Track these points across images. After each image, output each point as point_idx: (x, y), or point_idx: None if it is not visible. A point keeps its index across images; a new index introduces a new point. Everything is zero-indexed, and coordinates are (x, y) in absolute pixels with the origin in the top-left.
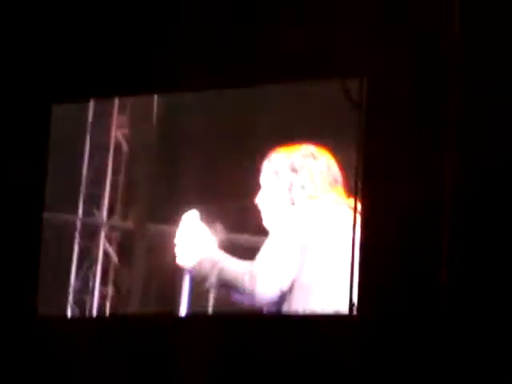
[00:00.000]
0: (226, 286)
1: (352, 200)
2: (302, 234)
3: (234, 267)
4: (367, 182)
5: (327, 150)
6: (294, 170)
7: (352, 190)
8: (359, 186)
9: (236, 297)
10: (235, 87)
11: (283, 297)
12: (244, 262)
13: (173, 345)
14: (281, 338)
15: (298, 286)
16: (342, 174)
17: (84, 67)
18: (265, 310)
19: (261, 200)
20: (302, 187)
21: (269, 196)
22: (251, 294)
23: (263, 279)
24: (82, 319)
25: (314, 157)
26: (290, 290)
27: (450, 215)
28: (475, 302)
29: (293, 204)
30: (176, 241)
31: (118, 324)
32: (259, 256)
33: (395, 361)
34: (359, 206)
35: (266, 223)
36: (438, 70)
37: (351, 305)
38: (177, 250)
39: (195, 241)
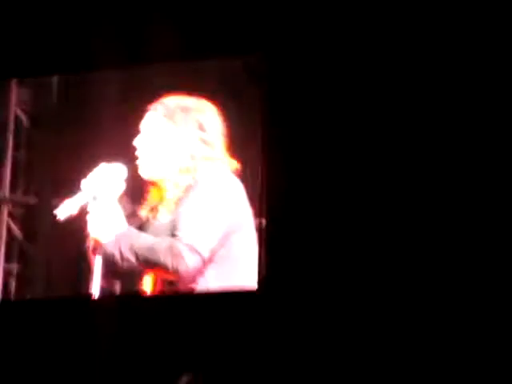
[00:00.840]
0: (144, 264)
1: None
2: (227, 198)
3: (151, 244)
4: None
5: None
6: (193, 121)
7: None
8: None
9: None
10: (135, 64)
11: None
12: (159, 238)
13: (82, 328)
14: (191, 316)
15: (217, 258)
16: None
17: None
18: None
19: (143, 145)
20: (203, 141)
21: (155, 141)
22: (174, 272)
23: (188, 256)
24: None
25: (206, 105)
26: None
27: None
28: None
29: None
30: (88, 215)
31: (25, 308)
32: (181, 227)
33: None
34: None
35: (146, 172)
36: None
37: (260, 280)
38: (90, 221)
39: (108, 215)
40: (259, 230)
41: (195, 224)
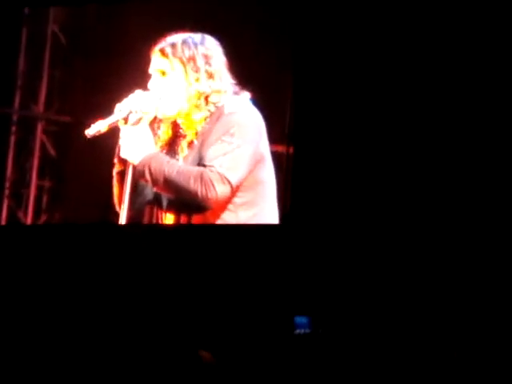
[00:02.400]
0: (172, 188)
1: None
2: (252, 128)
3: (181, 170)
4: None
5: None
6: (200, 55)
7: None
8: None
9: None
10: None
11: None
12: (188, 166)
13: (110, 254)
14: (212, 248)
15: (243, 187)
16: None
17: None
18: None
19: (157, 86)
20: (211, 75)
21: (166, 80)
22: (203, 199)
23: (218, 185)
24: (19, 226)
25: (212, 43)
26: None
27: None
28: None
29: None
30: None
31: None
32: (210, 157)
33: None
34: None
35: (161, 111)
36: None
37: (283, 215)
38: (122, 145)
39: (138, 138)
40: (286, 158)
41: (224, 154)
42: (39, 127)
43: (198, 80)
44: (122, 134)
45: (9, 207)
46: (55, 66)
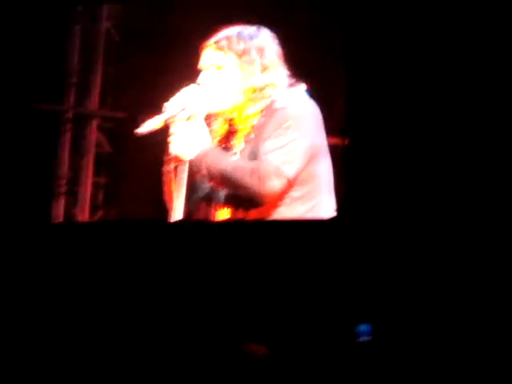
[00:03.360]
0: (229, 183)
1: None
2: (308, 121)
3: (237, 165)
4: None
5: None
6: (254, 48)
7: None
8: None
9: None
10: None
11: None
12: (244, 160)
13: (165, 251)
14: (268, 244)
15: (299, 181)
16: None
17: None
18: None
19: (208, 80)
20: (265, 68)
21: (218, 74)
22: (259, 193)
23: (274, 178)
24: (73, 224)
25: (267, 35)
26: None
27: None
28: None
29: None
30: (172, 132)
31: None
32: (266, 151)
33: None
34: None
35: (215, 107)
36: None
37: (338, 208)
38: (174, 141)
39: (193, 132)
40: (342, 150)
41: (280, 147)
42: (94, 124)
43: (252, 73)
44: (173, 131)
45: (65, 205)
46: (109, 63)
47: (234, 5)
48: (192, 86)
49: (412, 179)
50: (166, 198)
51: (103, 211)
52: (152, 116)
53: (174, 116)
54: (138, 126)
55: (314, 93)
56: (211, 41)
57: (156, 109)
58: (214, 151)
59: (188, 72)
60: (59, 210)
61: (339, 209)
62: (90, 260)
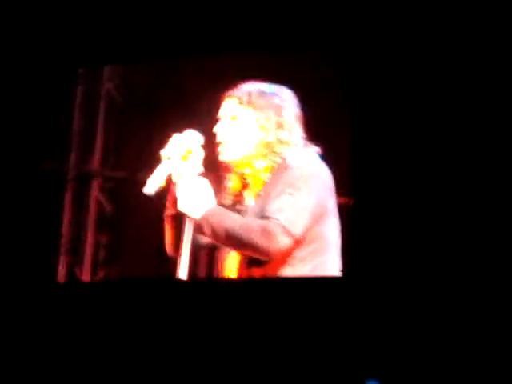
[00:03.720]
0: (234, 242)
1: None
2: (317, 181)
3: (243, 223)
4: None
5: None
6: (272, 106)
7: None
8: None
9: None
10: (225, 52)
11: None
12: (250, 218)
13: (171, 310)
14: (274, 302)
15: (307, 240)
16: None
17: (71, 37)
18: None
19: (223, 131)
20: (281, 126)
21: (234, 126)
22: (265, 252)
23: (281, 237)
24: (77, 284)
25: (286, 94)
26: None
27: None
28: None
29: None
30: (176, 189)
31: (117, 288)
32: (273, 209)
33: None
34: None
35: (227, 157)
36: None
37: (344, 268)
38: (179, 198)
39: (197, 190)
40: (346, 210)
41: (288, 206)
42: (95, 183)
43: (267, 129)
44: (175, 179)
45: (67, 264)
46: (110, 123)
47: (239, 68)
48: (187, 131)
49: (419, 240)
50: (168, 246)
51: (105, 270)
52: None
53: (172, 166)
54: (138, 185)
55: (326, 156)
56: (232, 93)
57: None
58: (219, 210)
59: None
60: (61, 269)
61: (345, 268)
62: (93, 319)
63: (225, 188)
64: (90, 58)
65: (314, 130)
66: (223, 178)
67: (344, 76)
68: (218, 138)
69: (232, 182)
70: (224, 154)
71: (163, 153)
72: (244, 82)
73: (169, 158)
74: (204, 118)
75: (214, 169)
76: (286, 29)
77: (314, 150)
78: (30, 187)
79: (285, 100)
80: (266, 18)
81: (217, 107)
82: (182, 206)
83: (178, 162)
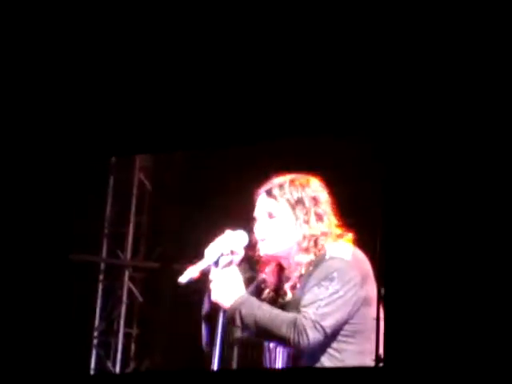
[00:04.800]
0: (263, 334)
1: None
2: (357, 284)
3: (274, 315)
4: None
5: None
6: (308, 198)
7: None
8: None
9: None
10: (250, 144)
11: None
12: (281, 311)
13: None
14: None
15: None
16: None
17: (104, 127)
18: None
19: (262, 227)
20: (319, 217)
21: (273, 223)
22: (295, 346)
23: (311, 332)
24: (107, 376)
25: (318, 185)
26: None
27: None
28: None
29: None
30: (211, 279)
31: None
32: (306, 303)
33: None
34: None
35: (267, 252)
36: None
37: (377, 358)
38: (213, 288)
39: (228, 281)
40: (378, 299)
41: (321, 299)
42: (126, 274)
43: (307, 222)
44: (212, 277)
45: (97, 356)
46: (141, 213)
47: (269, 162)
48: (227, 232)
49: (449, 330)
50: (204, 342)
51: (135, 363)
52: (187, 265)
53: (211, 264)
54: (170, 276)
55: (360, 242)
56: (263, 189)
57: (190, 258)
58: (249, 301)
59: (224, 220)
60: (91, 362)
61: (381, 358)
62: None
63: (265, 282)
64: (122, 147)
65: (346, 216)
66: (263, 273)
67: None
68: (258, 236)
69: (273, 274)
70: (265, 249)
71: (208, 251)
72: (274, 174)
73: (212, 257)
74: (241, 212)
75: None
76: (306, 115)
77: (349, 237)
78: (64, 278)
79: (317, 190)
80: (295, 105)
81: (251, 202)
82: (214, 295)
83: (221, 261)
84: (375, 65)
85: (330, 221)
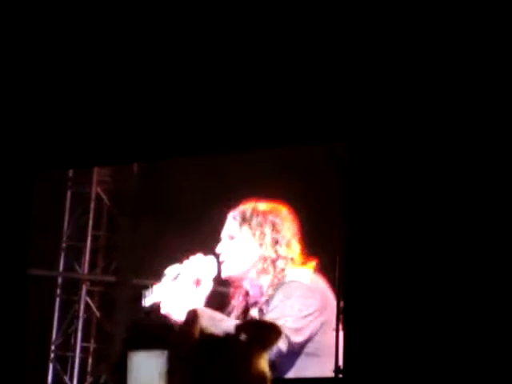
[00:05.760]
0: None
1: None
2: (317, 310)
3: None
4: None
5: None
6: (268, 223)
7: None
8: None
9: None
10: (221, 153)
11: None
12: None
13: None
14: None
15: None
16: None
17: (63, 139)
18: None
19: (225, 250)
20: (277, 242)
21: (235, 246)
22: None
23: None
24: None
25: (282, 212)
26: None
27: None
28: None
29: (275, 256)
30: (163, 294)
31: None
32: (272, 318)
33: None
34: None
35: (227, 273)
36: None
37: (337, 368)
38: (165, 304)
39: (186, 296)
40: (337, 313)
41: (287, 316)
42: (84, 288)
43: (265, 245)
44: (165, 290)
45: (54, 370)
46: (99, 227)
47: (227, 182)
48: (204, 257)
49: (410, 341)
50: None
51: (92, 377)
52: (142, 279)
53: (171, 283)
54: (127, 290)
55: (323, 269)
56: (231, 213)
57: (149, 272)
58: (205, 312)
59: (181, 236)
60: (48, 377)
61: (340, 369)
62: None
63: (232, 306)
64: (79, 160)
65: (311, 244)
66: (231, 298)
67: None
68: (220, 258)
69: (237, 300)
70: (225, 271)
71: (169, 272)
72: (244, 200)
73: (175, 279)
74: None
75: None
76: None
77: (312, 264)
78: (21, 292)
79: (279, 216)
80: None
81: (211, 220)
82: (165, 308)
83: (184, 287)
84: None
85: (292, 247)
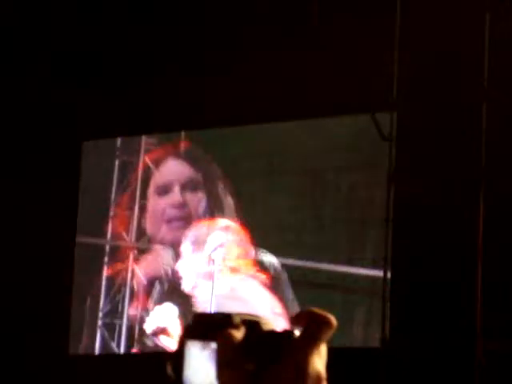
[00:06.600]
0: None
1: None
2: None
3: None
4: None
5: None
6: (215, 242)
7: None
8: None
9: None
10: (259, 122)
11: None
12: None
13: None
14: None
15: None
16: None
17: (111, 109)
18: None
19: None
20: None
21: (190, 264)
22: None
23: None
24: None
25: (231, 230)
26: None
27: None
28: None
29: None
30: None
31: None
32: None
33: None
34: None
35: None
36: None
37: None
38: None
39: None
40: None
41: None
42: (131, 256)
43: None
44: None
45: (102, 338)
46: (145, 195)
47: None
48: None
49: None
50: None
51: (139, 344)
52: None
53: None
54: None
55: None
56: (190, 232)
57: None
58: None
59: None
60: (96, 343)
61: (382, 340)
62: None
63: None
64: (126, 128)
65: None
66: None
67: None
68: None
69: None
70: None
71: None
72: None
73: None
74: None
75: None
76: None
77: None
78: (70, 260)
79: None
80: None
81: None
82: None
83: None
84: None
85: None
